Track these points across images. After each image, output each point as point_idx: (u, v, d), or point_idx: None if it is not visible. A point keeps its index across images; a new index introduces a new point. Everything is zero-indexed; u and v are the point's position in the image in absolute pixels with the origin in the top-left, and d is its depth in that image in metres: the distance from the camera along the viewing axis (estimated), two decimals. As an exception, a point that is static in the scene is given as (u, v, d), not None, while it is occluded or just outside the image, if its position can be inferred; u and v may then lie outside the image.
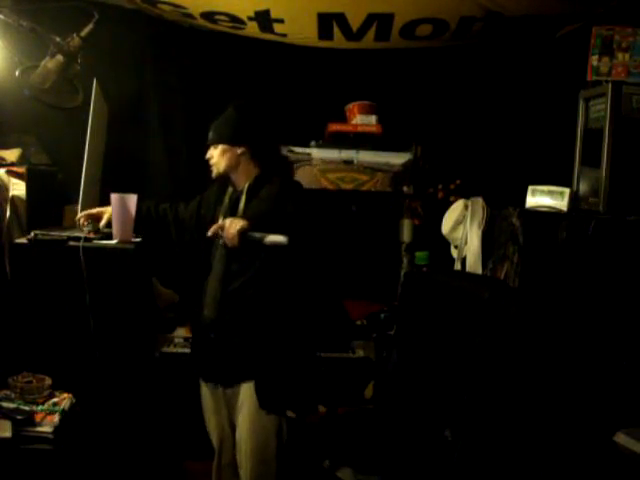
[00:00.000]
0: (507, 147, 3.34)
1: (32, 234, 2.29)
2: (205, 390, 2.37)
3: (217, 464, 2.41)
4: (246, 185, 2.27)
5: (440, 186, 3.24)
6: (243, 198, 2.26)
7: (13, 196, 2.49)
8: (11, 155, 2.66)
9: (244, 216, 2.17)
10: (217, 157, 2.28)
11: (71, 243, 2.28)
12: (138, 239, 2.41)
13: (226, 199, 2.32)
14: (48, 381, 2.16)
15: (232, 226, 2.01)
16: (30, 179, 2.52)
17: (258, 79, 3.31)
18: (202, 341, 2.32)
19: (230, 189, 2.33)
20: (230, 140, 2.26)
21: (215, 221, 2.29)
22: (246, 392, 2.21)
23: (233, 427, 2.31)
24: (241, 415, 2.23)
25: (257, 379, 2.18)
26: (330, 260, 2.90)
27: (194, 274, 2.37)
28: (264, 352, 2.18)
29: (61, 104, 2.55)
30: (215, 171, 2.30)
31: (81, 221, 2.39)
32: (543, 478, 2.24)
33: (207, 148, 2.32)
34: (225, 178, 2.32)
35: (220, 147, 2.27)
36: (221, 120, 2.31)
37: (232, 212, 2.27)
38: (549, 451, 2.25)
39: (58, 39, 2.35)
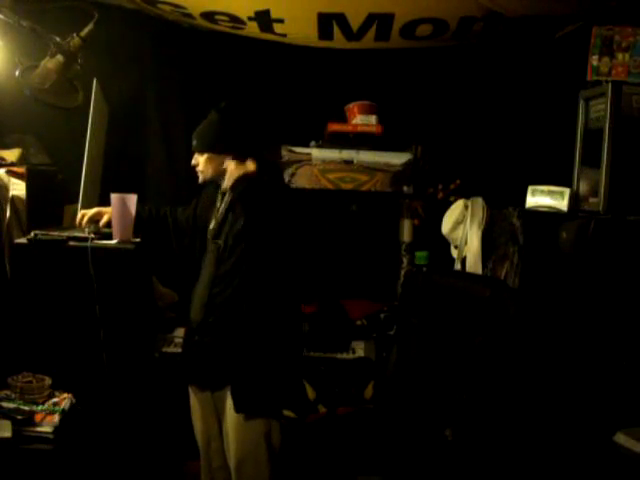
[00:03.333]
0: (507, 147, 3.34)
1: (32, 234, 2.29)
2: (192, 395, 2.37)
3: (206, 466, 2.40)
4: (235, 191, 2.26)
5: (440, 186, 3.24)
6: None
7: (13, 196, 2.49)
8: (11, 155, 2.65)
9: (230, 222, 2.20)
10: (203, 165, 2.27)
11: (71, 243, 2.28)
12: (138, 239, 2.41)
13: (218, 203, 2.33)
14: (48, 381, 2.16)
15: None
16: (30, 179, 2.52)
17: (258, 79, 3.31)
18: (189, 344, 2.32)
19: (220, 194, 2.34)
20: (215, 148, 2.25)
21: (209, 223, 2.32)
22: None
23: (221, 429, 2.30)
24: (228, 418, 2.22)
25: (233, 383, 2.17)
26: (321, 259, 2.89)
27: (189, 276, 2.38)
28: (247, 356, 2.17)
29: (61, 104, 2.55)
30: (202, 177, 2.30)
31: (83, 223, 2.39)
32: (543, 478, 2.24)
33: (193, 154, 2.31)
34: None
35: (206, 155, 2.26)
36: (205, 126, 2.29)
37: (222, 217, 2.27)
38: (549, 451, 2.25)
39: (58, 39, 2.35)
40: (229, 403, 2.20)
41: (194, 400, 2.37)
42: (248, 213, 2.17)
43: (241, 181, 2.25)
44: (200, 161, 2.28)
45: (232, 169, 2.26)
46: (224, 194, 2.31)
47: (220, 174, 2.28)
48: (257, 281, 2.17)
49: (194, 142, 2.30)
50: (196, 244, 2.36)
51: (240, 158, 2.25)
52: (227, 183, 2.29)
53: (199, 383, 2.33)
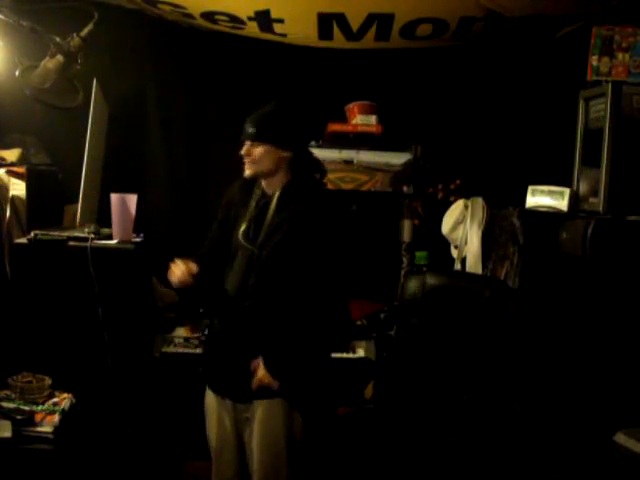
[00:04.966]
0: (507, 147, 3.34)
1: (32, 234, 2.29)
2: (210, 398, 2.19)
3: (217, 475, 2.23)
4: (277, 193, 2.04)
5: (440, 186, 3.24)
6: (273, 207, 2.04)
7: (13, 196, 2.49)
8: (11, 155, 2.66)
9: (271, 227, 2.03)
10: (259, 156, 2.00)
11: (71, 243, 2.28)
12: (138, 239, 2.41)
13: (252, 203, 2.09)
14: (48, 381, 2.16)
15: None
16: (30, 179, 2.52)
17: (258, 79, 3.31)
18: (213, 351, 2.18)
19: (258, 192, 2.09)
20: (278, 141, 2.01)
21: (239, 223, 2.09)
22: (257, 408, 2.06)
23: (238, 439, 2.15)
24: (251, 430, 2.08)
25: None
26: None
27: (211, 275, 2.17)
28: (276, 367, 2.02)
29: (61, 104, 2.55)
30: (251, 171, 2.03)
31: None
32: (543, 478, 2.24)
33: (242, 143, 2.04)
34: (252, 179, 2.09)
35: (264, 146, 2.00)
36: (265, 116, 2.04)
37: (258, 219, 2.06)
38: (549, 451, 2.25)
39: (58, 39, 2.36)
40: (256, 416, 2.05)
41: (212, 407, 2.17)
42: (294, 223, 2.00)
43: (288, 183, 2.06)
44: (255, 152, 2.01)
45: (283, 170, 2.04)
46: (264, 194, 2.08)
47: (272, 172, 2.03)
48: (307, 296, 2.00)
49: (250, 130, 2.01)
50: (222, 244, 2.14)
51: (295, 160, 2.04)
52: (272, 183, 2.06)
53: (222, 393, 2.14)
